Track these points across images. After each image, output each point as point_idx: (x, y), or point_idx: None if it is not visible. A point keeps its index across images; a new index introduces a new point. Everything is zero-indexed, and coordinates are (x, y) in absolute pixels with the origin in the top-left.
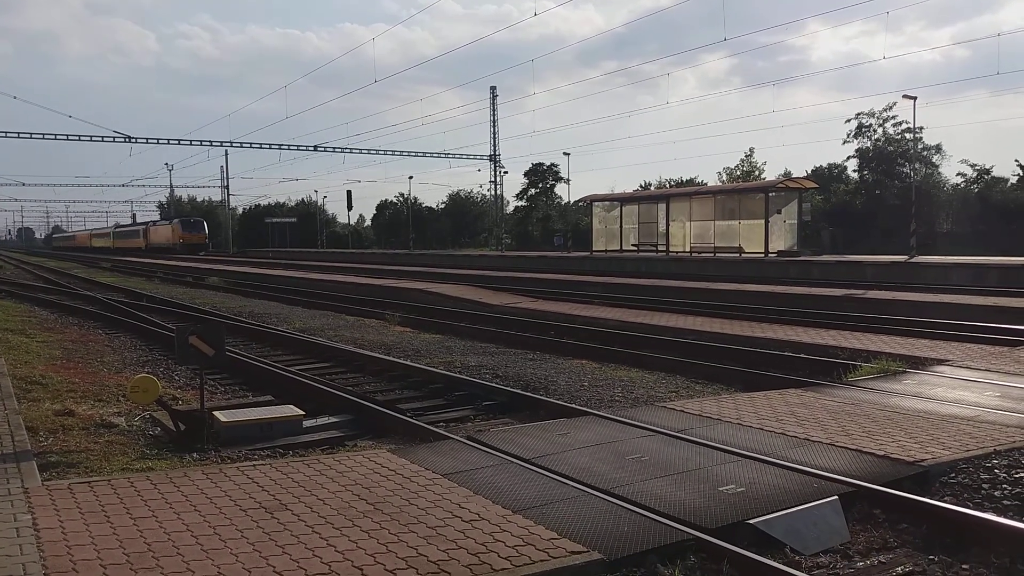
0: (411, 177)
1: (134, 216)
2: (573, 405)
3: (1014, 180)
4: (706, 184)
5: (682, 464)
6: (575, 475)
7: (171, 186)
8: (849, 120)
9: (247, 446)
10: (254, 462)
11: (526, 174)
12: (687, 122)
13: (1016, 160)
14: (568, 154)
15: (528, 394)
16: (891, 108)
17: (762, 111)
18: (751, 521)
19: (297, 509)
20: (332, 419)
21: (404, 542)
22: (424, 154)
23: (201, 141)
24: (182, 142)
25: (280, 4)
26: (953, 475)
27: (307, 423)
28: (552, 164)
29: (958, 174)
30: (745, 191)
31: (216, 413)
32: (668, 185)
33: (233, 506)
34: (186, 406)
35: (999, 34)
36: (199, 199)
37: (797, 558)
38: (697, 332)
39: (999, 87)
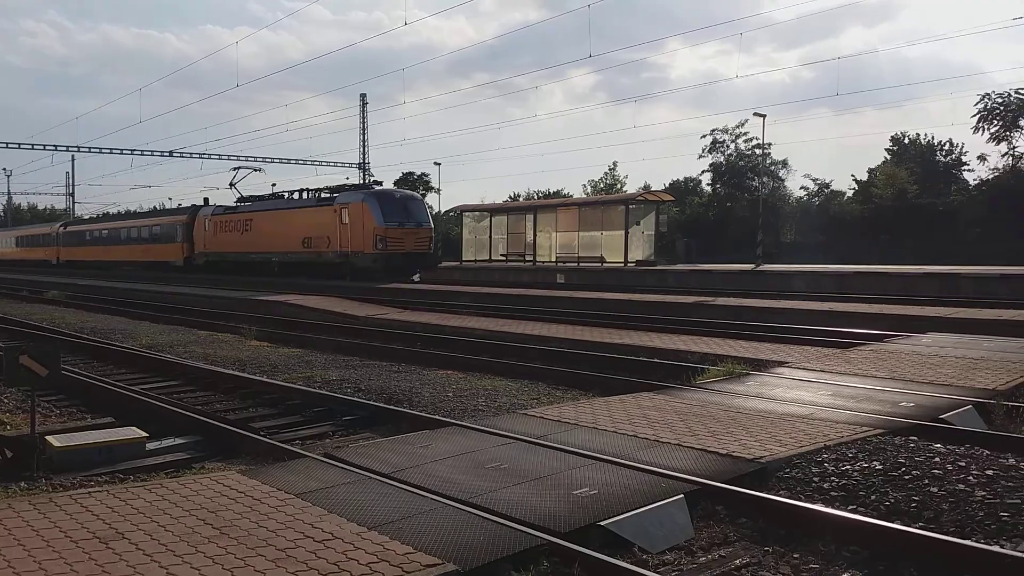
0: (274, 185)
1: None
2: (436, 416)
3: (850, 194)
4: (572, 196)
5: (539, 470)
6: (434, 487)
7: (9, 193)
8: (704, 136)
9: (83, 472)
10: (89, 489)
11: (396, 183)
12: (555, 135)
13: (852, 175)
14: (439, 164)
15: (391, 407)
16: (743, 125)
17: (625, 126)
18: (603, 523)
19: (135, 537)
20: (178, 440)
21: (251, 566)
22: (289, 161)
23: (44, 145)
24: (22, 146)
25: (137, 3)
26: (788, 470)
27: (151, 445)
28: (423, 173)
29: (801, 187)
30: (607, 203)
31: (49, 438)
32: (536, 196)
33: (63, 538)
34: (15, 431)
35: (839, 57)
36: (40, 207)
37: (645, 557)
38: (560, 339)
39: (839, 107)
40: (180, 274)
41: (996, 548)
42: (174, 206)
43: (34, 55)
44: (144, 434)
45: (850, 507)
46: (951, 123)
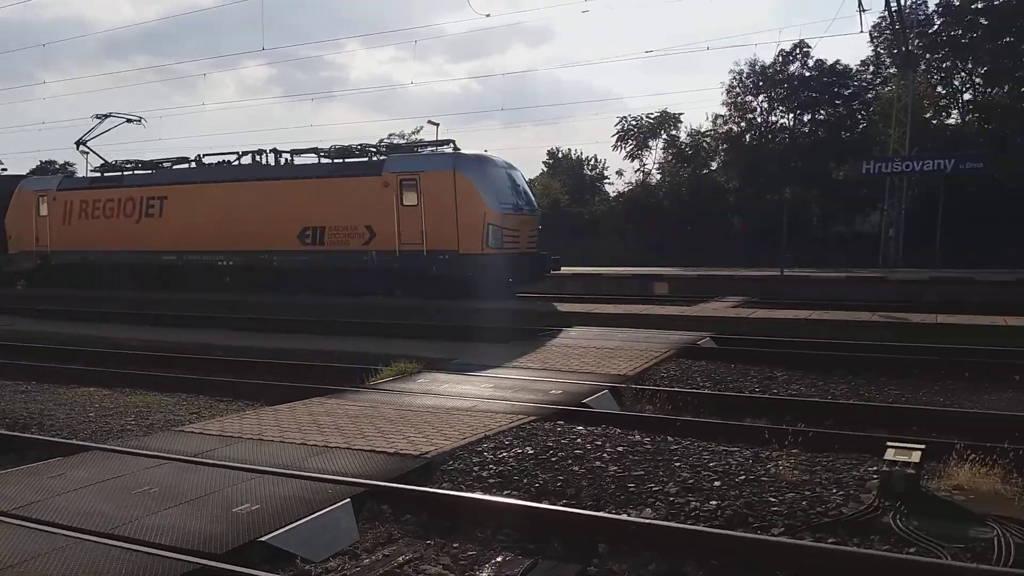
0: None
1: None
2: (72, 440)
3: None
4: None
5: (196, 490)
6: (67, 521)
7: None
8: (382, 140)
9: None
10: None
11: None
12: (227, 128)
13: None
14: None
15: (15, 434)
16: (419, 131)
17: (303, 123)
18: (263, 538)
19: None
20: None
21: None
22: None
23: None
24: None
25: None
26: (452, 462)
27: None
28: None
29: None
30: None
31: None
32: None
33: None
34: None
35: (504, 74)
36: None
37: (307, 567)
38: (225, 347)
39: (505, 120)
40: None
41: (624, 516)
42: None
43: None
44: None
45: (505, 492)
46: (596, 141)
